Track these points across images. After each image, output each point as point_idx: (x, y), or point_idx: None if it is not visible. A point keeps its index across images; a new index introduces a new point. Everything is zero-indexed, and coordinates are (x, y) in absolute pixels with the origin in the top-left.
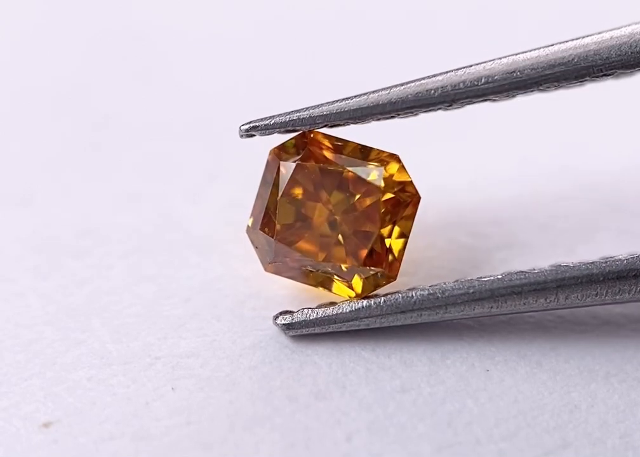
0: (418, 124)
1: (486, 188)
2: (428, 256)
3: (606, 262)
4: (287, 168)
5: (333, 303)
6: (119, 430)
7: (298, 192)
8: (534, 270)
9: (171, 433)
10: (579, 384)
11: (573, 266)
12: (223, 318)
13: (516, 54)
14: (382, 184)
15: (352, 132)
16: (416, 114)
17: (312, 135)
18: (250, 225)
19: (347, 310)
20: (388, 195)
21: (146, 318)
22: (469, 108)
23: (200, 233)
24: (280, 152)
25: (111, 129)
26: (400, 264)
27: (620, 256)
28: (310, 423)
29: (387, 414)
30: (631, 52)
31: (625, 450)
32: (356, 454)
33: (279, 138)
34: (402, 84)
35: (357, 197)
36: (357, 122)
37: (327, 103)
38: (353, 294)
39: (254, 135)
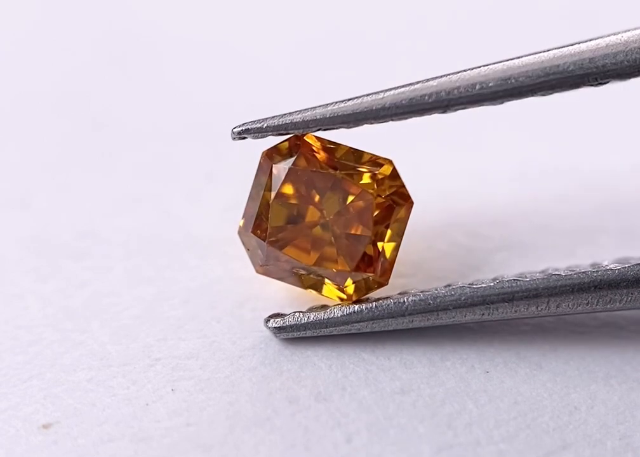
0: (419, 125)
1: (485, 189)
2: (427, 258)
3: (597, 271)
4: (280, 171)
5: (324, 307)
6: (118, 431)
7: (290, 194)
8: (526, 277)
9: (171, 435)
10: (579, 385)
11: (565, 275)
12: (222, 319)
13: (511, 60)
14: (375, 187)
15: (346, 135)
16: (408, 118)
17: (304, 138)
18: (242, 227)
19: (339, 314)
20: (381, 199)
21: (146, 319)
22: (468, 109)
23: (199, 235)
24: (272, 155)
25: (110, 132)
26: (392, 268)
27: (612, 266)
28: (310, 424)
29: (387, 415)
30: (626, 61)
31: (624, 451)
32: (356, 455)
33: (276, 140)
34: (395, 88)
35: (350, 200)
36: (350, 127)
37: (320, 106)
38: (345, 298)
39: (246, 138)
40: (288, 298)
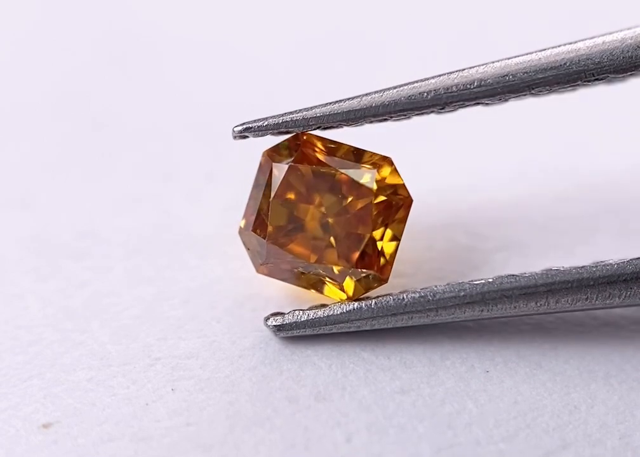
0: (419, 125)
1: (484, 189)
2: (427, 257)
3: (596, 266)
4: (280, 170)
5: (324, 305)
6: (118, 430)
7: (290, 194)
8: (525, 273)
9: (171, 434)
10: (579, 385)
11: (564, 271)
12: (222, 319)
13: (509, 59)
14: (374, 187)
15: (346, 135)
16: (409, 117)
17: (304, 137)
18: (242, 226)
19: (338, 312)
20: (381, 198)
21: (146, 319)
22: (468, 109)
23: (199, 235)
24: (273, 154)
25: (110, 132)
26: (392, 266)
27: (611, 261)
28: (310, 424)
29: (387, 415)
30: (622, 57)
31: (624, 451)
32: (356, 455)
33: (276, 140)
34: (395, 87)
35: (350, 199)
36: (349, 125)
37: (320, 105)
38: (344, 296)
39: (247, 136)
40: (288, 297)
